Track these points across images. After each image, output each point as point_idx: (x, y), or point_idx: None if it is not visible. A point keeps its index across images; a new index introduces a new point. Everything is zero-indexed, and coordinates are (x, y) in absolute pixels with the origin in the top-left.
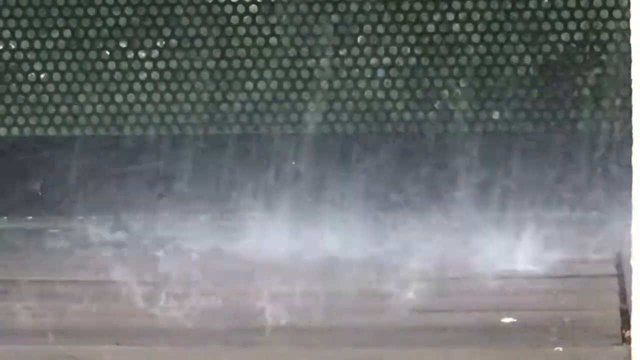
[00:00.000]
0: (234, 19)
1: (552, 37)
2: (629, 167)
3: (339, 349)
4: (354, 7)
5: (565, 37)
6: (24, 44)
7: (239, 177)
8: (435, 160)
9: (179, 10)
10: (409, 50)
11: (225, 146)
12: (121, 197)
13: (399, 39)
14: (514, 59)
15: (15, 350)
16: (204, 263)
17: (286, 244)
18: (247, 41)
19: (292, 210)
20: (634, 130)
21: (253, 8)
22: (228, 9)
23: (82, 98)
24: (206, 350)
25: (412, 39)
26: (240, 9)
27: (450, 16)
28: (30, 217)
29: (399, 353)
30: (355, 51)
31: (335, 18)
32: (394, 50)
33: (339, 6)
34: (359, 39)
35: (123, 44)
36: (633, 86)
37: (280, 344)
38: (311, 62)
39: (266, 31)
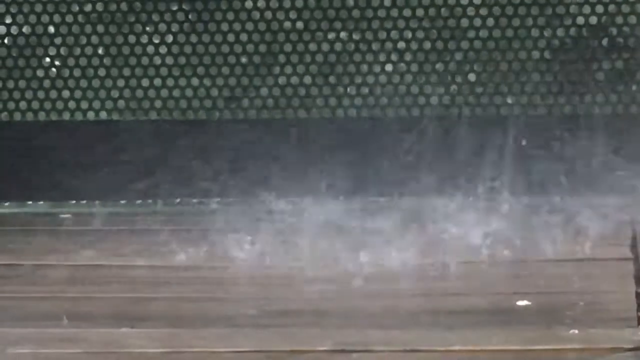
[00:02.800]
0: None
1: (567, 21)
2: None
3: (353, 330)
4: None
5: (580, 20)
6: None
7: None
8: (447, 146)
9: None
10: (422, 34)
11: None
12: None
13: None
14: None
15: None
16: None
17: None
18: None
19: None
20: None
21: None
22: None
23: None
24: (220, 332)
25: (425, 23)
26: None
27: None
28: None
29: (416, 334)
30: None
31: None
32: (407, 34)
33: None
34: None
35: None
36: None
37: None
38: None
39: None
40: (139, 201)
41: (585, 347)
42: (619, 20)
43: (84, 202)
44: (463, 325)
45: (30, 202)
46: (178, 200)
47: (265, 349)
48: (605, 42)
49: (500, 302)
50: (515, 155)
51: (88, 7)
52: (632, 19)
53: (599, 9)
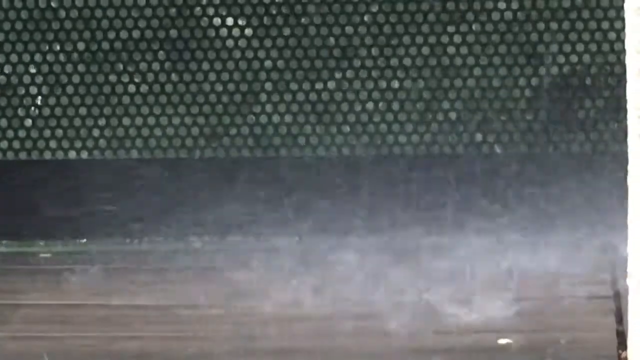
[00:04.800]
0: (229, 43)
1: (548, 61)
2: (624, 188)
3: None
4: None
5: (560, 59)
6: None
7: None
8: (422, 181)
9: (173, 33)
10: (407, 72)
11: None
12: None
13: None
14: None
15: None
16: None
17: None
18: (243, 65)
19: None
20: (629, 151)
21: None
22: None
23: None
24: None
25: (407, 62)
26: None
27: (445, 39)
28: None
29: None
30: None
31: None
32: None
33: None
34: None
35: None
36: (628, 107)
37: None
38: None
39: (261, 55)
40: (127, 240)
41: None
42: (600, 59)
43: (64, 241)
44: None
45: (8, 242)
46: (159, 239)
47: None
48: (586, 81)
49: (482, 340)
50: (496, 194)
51: (69, 47)
52: (612, 58)
53: (580, 47)
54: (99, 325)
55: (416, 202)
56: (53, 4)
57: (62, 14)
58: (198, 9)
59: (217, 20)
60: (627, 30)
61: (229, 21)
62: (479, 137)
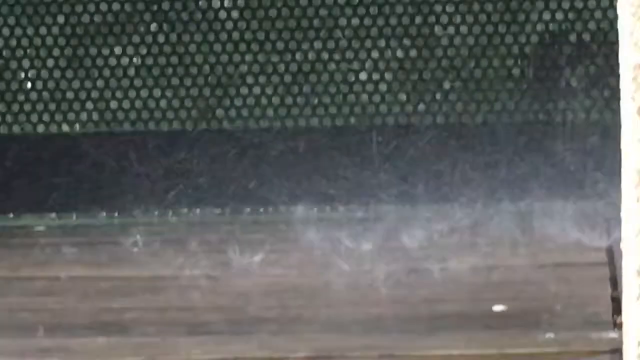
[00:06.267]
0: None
1: (540, 27)
2: (618, 154)
3: (331, 336)
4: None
5: (553, 26)
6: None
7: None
8: (431, 153)
9: (166, 5)
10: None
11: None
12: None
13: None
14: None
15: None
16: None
17: None
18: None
19: None
20: (622, 116)
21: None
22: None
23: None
24: (196, 340)
25: (399, 32)
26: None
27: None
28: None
29: (393, 340)
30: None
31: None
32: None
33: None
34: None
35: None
36: (621, 71)
37: None
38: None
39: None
40: (115, 213)
41: (562, 350)
42: (592, 25)
43: (59, 214)
44: (439, 331)
45: (4, 215)
46: (155, 212)
47: (242, 356)
48: (578, 47)
49: (477, 307)
50: (490, 162)
51: (61, 19)
52: (605, 24)
53: (572, 15)
54: (95, 297)
55: (401, 173)
56: None
57: None
58: None
59: None
60: None
61: None
62: (463, 106)
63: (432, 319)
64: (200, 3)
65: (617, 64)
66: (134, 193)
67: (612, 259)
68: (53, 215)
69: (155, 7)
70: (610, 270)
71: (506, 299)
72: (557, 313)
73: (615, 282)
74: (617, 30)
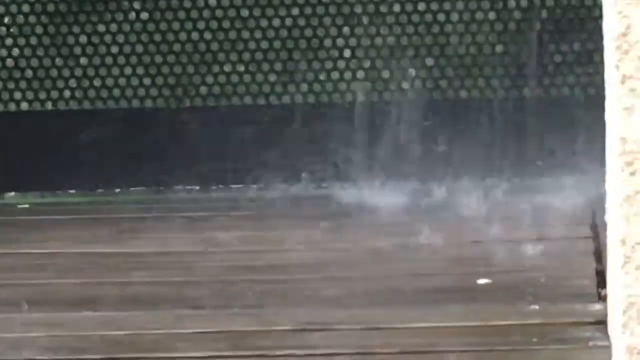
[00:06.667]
0: None
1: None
2: (602, 127)
3: (315, 310)
4: None
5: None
6: None
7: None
8: (409, 130)
9: None
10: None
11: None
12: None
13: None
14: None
15: None
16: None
17: None
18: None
19: None
20: (606, 84)
21: None
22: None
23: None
24: (181, 313)
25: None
26: None
27: None
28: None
29: (377, 312)
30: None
31: None
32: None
33: None
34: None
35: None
36: (604, 40)
37: None
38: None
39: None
40: (99, 190)
41: (547, 322)
42: (576, 2)
43: (43, 192)
44: (423, 303)
45: None
46: (134, 189)
47: (227, 329)
48: (562, 24)
49: (461, 281)
50: (474, 139)
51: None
52: (589, 1)
53: None
54: (77, 272)
55: (389, 148)
56: None
57: None
58: None
59: None
60: None
61: None
62: (451, 83)
63: (416, 292)
64: None
65: (601, 40)
66: (116, 170)
67: (597, 233)
68: (36, 193)
69: None
70: (594, 244)
71: (491, 272)
72: (541, 286)
73: (599, 255)
74: (600, 6)
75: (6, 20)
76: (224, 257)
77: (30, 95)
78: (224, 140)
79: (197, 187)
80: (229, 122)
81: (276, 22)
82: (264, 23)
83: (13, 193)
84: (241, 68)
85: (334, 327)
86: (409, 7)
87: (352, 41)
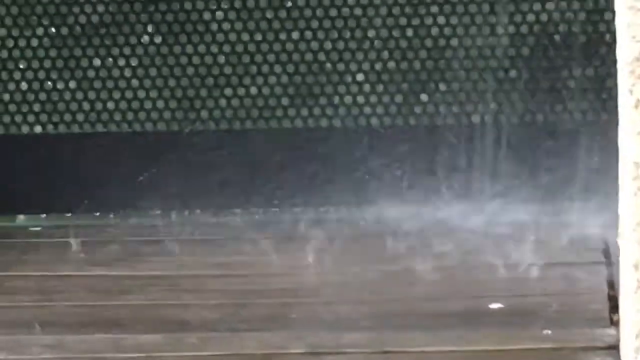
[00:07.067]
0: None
1: (537, 28)
2: (615, 154)
3: (326, 333)
4: None
5: (551, 28)
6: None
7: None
8: (426, 153)
9: (162, 6)
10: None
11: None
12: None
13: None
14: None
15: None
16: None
17: None
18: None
19: None
20: (619, 108)
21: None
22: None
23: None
24: (194, 336)
25: (398, 42)
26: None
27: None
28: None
29: (389, 336)
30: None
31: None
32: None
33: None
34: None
35: (108, 41)
36: (618, 66)
37: None
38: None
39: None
40: (110, 213)
41: (559, 346)
42: (589, 27)
43: (54, 215)
44: (436, 327)
45: (0, 216)
46: (143, 212)
47: (239, 352)
48: (576, 49)
49: (473, 305)
50: (487, 163)
51: (58, 21)
52: (602, 27)
53: (570, 16)
54: (90, 294)
55: (397, 174)
56: None
57: None
58: None
59: None
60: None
61: None
62: (461, 107)
63: (428, 316)
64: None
65: (615, 65)
66: (127, 193)
67: (609, 257)
68: (49, 215)
69: (149, 10)
70: (607, 269)
71: (503, 297)
72: (554, 311)
73: (612, 280)
74: (614, 31)
75: (20, 43)
76: (236, 280)
77: (43, 118)
78: (236, 163)
79: (208, 210)
80: (240, 145)
81: (289, 46)
82: (277, 47)
83: (23, 216)
84: (254, 91)
85: (346, 351)
86: (422, 32)
87: (366, 66)
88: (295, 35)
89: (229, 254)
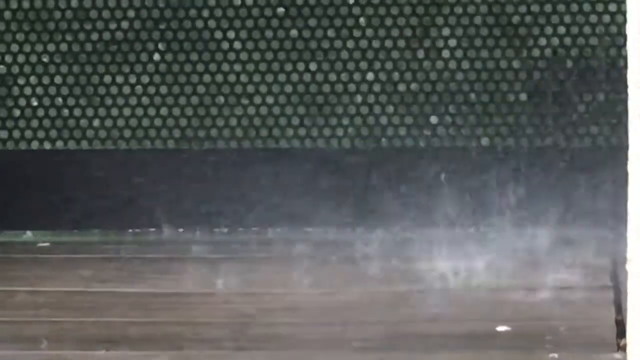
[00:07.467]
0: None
1: (548, 53)
2: (623, 181)
3: (343, 353)
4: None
5: (562, 53)
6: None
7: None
8: (435, 175)
9: (174, 24)
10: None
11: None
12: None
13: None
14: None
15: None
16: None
17: None
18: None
19: None
20: (629, 135)
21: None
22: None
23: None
24: (190, 354)
25: (407, 64)
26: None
27: (434, 32)
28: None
29: (399, 357)
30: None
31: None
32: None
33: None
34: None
35: (119, 59)
36: (629, 91)
37: None
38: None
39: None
40: (119, 229)
41: None
42: (600, 52)
43: (62, 231)
44: (442, 349)
45: (9, 231)
46: (157, 229)
47: None
48: (587, 74)
49: (480, 327)
50: (496, 188)
51: (69, 37)
52: (613, 51)
53: (580, 41)
54: (96, 311)
55: (405, 197)
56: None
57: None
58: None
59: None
60: (628, 15)
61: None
62: (473, 130)
63: (435, 338)
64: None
65: (625, 90)
66: (135, 210)
67: (617, 282)
68: (56, 231)
69: (160, 30)
70: (614, 294)
71: (510, 319)
72: (560, 334)
73: (619, 305)
74: (625, 56)
75: (32, 59)
76: (242, 299)
77: (53, 134)
78: (242, 181)
79: (216, 229)
80: (249, 164)
81: (300, 66)
82: (288, 67)
83: (29, 232)
84: (264, 111)
85: None
86: (433, 54)
87: (376, 86)
88: (306, 55)
89: (230, 271)
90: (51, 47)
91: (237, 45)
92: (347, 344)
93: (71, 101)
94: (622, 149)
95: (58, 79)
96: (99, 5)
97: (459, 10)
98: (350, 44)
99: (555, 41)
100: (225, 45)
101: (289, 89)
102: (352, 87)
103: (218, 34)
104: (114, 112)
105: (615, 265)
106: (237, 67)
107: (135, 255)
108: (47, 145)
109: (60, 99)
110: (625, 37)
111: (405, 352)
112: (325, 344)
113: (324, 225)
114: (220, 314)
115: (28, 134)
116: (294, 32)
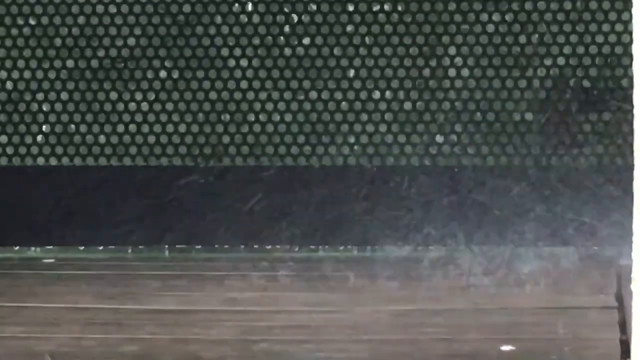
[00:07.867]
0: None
1: (554, 73)
2: (629, 199)
3: None
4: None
5: (568, 72)
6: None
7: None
8: (445, 194)
9: (180, 42)
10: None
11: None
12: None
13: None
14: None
15: None
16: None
17: None
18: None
19: None
20: (635, 155)
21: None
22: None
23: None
24: None
25: (414, 81)
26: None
27: (446, 61)
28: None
29: None
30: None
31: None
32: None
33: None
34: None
35: (126, 75)
36: (635, 111)
37: None
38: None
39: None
40: (124, 246)
41: None
42: (606, 72)
43: (67, 247)
44: None
45: (15, 248)
46: (159, 246)
47: None
48: (593, 94)
49: (485, 347)
50: (501, 206)
51: (76, 54)
52: (619, 71)
53: (586, 60)
54: (101, 327)
55: (410, 214)
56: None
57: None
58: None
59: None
60: (635, 35)
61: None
62: (479, 149)
63: (440, 357)
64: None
65: (631, 111)
66: (139, 226)
67: (622, 302)
68: (62, 247)
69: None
70: (619, 314)
71: (515, 339)
72: (565, 354)
73: (624, 325)
74: (631, 76)
75: (38, 76)
76: (247, 316)
77: (59, 150)
78: (246, 199)
79: (221, 246)
80: (255, 182)
81: (306, 84)
82: (294, 84)
83: (34, 249)
84: (270, 128)
85: None
86: (439, 72)
87: (382, 105)
88: (312, 73)
89: (234, 289)
90: (58, 64)
91: (244, 62)
92: None
93: (77, 117)
94: (627, 168)
95: (64, 96)
96: (105, 22)
97: (465, 29)
98: (356, 62)
99: (562, 61)
100: (231, 62)
101: (295, 106)
102: (357, 105)
103: (225, 51)
104: (120, 128)
105: (620, 286)
106: (244, 85)
107: (141, 272)
108: (53, 162)
109: (66, 116)
110: (631, 57)
111: None
112: None
113: (345, 244)
114: (224, 331)
115: (34, 149)
116: (300, 50)
